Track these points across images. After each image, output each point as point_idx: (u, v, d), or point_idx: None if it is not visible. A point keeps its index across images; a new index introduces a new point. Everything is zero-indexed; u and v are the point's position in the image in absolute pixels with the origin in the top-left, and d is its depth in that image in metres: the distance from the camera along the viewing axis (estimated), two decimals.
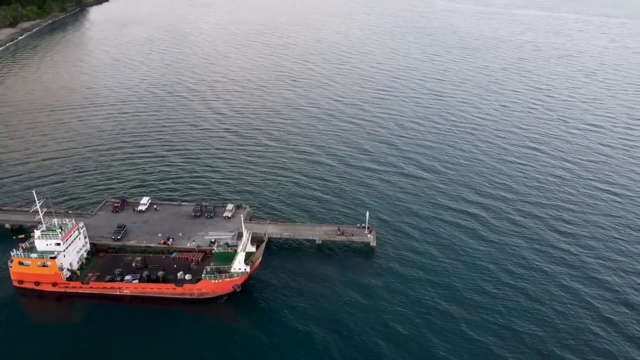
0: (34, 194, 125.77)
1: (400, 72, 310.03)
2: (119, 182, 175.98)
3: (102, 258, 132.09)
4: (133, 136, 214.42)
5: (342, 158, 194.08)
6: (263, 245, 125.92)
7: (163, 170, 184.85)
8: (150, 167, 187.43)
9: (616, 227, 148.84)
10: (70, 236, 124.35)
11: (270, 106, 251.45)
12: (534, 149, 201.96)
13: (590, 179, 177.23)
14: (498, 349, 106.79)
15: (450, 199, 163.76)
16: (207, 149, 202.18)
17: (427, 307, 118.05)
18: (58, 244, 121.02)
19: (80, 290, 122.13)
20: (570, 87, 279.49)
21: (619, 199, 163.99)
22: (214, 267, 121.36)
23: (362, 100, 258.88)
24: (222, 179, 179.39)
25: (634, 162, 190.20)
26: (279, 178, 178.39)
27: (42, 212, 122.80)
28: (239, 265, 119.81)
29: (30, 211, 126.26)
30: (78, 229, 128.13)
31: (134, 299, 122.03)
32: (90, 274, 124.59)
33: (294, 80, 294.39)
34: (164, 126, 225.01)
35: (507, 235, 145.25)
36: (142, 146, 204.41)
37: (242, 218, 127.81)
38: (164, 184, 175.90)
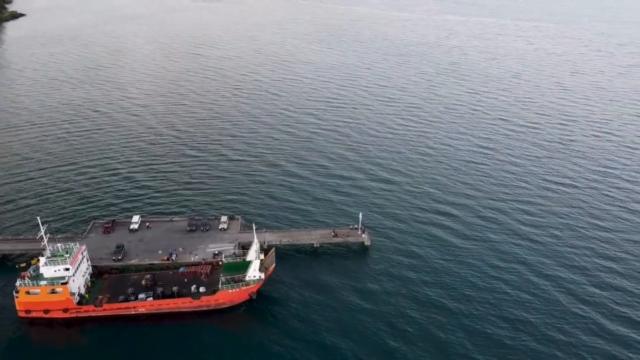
0: (39, 220, 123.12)
1: (345, 81, 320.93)
2: (96, 203, 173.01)
3: (106, 280, 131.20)
4: (92, 156, 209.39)
5: (310, 166, 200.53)
6: (273, 252, 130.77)
7: (136, 188, 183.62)
8: (123, 186, 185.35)
9: (573, 216, 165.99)
10: (77, 260, 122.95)
11: (224, 120, 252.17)
12: (484, 149, 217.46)
13: (540, 174, 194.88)
14: (489, 332, 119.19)
15: (422, 201, 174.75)
16: (175, 164, 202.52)
17: (423, 300, 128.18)
18: (67, 269, 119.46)
19: (94, 314, 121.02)
20: (502, 88, 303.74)
21: (569, 190, 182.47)
22: (228, 277, 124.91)
23: (314, 110, 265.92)
24: (202, 192, 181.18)
25: (573, 155, 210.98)
26: (257, 189, 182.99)
27: (46, 238, 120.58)
28: (253, 273, 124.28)
29: (37, 237, 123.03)
30: (82, 252, 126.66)
31: (148, 316, 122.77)
32: (100, 297, 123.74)
33: (243, 93, 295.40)
34: (122, 145, 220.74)
35: (478, 232, 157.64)
36: (106, 165, 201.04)
37: (254, 227, 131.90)
38: (143, 201, 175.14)
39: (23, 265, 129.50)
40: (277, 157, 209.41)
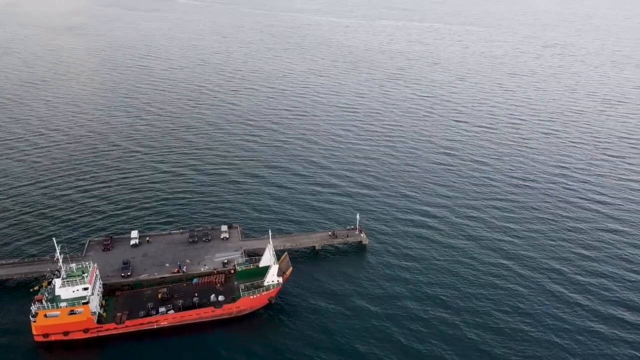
0: (54, 241, 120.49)
1: (298, 90, 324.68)
2: (79, 222, 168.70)
3: (119, 297, 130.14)
4: (59, 175, 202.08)
5: (286, 175, 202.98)
6: (286, 256, 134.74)
7: (117, 205, 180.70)
8: (102, 203, 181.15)
9: (542, 210, 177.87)
10: (94, 278, 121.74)
11: (187, 133, 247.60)
12: (447, 152, 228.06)
13: (504, 173, 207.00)
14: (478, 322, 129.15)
15: (402, 204, 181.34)
16: (151, 179, 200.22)
17: (424, 295, 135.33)
18: (86, 289, 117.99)
19: (115, 332, 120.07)
20: (450, 92, 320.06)
21: (533, 187, 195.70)
22: (247, 283, 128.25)
23: (277, 120, 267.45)
24: (187, 205, 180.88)
25: (528, 154, 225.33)
26: (242, 199, 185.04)
27: (61, 258, 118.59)
28: (272, 277, 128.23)
29: (54, 259, 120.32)
30: (96, 271, 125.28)
31: (170, 330, 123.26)
32: (119, 314, 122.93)
33: (199, 105, 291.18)
34: (89, 163, 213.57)
35: (460, 229, 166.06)
36: (75, 184, 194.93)
37: (269, 233, 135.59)
38: (131, 215, 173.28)
39: (36, 288, 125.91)
40: (251, 168, 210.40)
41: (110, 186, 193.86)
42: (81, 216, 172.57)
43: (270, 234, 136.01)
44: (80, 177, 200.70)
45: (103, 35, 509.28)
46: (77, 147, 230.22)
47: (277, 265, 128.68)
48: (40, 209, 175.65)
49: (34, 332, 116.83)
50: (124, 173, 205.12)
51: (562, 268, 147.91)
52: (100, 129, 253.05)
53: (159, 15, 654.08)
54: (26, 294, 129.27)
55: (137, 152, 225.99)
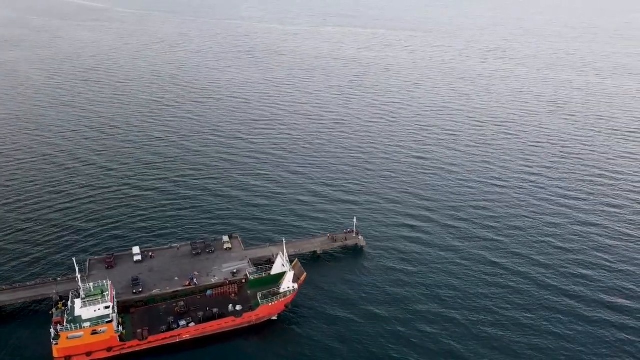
0: (74, 261, 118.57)
1: (261, 100, 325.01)
2: (74, 239, 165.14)
3: (134, 313, 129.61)
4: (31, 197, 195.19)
5: (262, 189, 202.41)
6: (297, 262, 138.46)
7: (106, 221, 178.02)
8: (83, 224, 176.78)
9: (519, 212, 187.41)
10: (114, 297, 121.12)
11: (150, 151, 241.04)
12: (419, 159, 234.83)
13: (477, 177, 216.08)
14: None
15: (386, 213, 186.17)
16: (128, 197, 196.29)
17: (424, 294, 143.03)
18: (108, 307, 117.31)
19: (138, 348, 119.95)
20: (410, 99, 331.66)
21: (506, 190, 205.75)
22: (265, 291, 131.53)
23: (242, 133, 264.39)
24: (176, 218, 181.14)
25: (495, 157, 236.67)
26: (231, 211, 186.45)
27: (79, 277, 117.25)
28: (288, 284, 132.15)
29: (75, 278, 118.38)
30: (113, 289, 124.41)
31: (191, 342, 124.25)
32: (139, 330, 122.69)
33: (161, 121, 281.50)
34: (61, 185, 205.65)
35: (446, 236, 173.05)
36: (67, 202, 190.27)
37: (283, 241, 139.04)
38: (119, 232, 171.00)
39: (53, 311, 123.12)
40: (232, 180, 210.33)
41: (86, 205, 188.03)
42: (70, 236, 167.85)
43: (284, 241, 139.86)
44: (55, 197, 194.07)
45: (44, 47, 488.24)
46: (43, 169, 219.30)
47: (293, 272, 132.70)
48: (21, 232, 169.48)
49: (56, 354, 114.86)
50: (100, 191, 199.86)
51: (547, 264, 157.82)
52: (58, 149, 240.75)
53: (98, 25, 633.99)
54: (32, 318, 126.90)
55: (112, 171, 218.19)
